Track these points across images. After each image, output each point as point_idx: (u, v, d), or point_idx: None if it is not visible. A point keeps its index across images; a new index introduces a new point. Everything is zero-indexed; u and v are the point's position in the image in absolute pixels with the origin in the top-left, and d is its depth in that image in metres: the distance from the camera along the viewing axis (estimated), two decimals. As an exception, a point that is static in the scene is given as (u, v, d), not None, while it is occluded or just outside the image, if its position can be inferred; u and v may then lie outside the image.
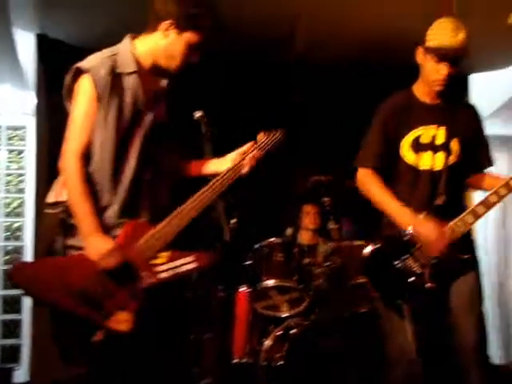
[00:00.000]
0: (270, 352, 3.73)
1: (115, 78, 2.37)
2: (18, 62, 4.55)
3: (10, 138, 5.20)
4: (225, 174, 2.54)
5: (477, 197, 3.04)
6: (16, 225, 5.12)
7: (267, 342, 3.75)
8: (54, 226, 2.35)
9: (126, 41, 2.48)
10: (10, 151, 5.20)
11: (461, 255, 2.81)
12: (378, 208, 2.94)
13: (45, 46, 4.61)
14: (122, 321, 2.26)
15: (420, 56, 2.87)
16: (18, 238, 5.11)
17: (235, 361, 3.83)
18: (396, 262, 2.85)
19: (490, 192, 2.79)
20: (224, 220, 2.85)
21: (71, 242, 2.32)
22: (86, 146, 2.33)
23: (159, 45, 2.44)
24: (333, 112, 5.23)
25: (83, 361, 2.31)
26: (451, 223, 2.79)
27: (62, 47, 4.59)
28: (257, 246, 3.99)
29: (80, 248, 2.30)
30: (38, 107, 4.69)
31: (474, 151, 2.97)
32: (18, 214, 5.13)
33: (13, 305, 4.99)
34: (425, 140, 2.91)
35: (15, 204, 5.15)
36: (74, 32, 4.55)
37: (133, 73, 2.41)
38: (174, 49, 2.44)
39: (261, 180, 4.55)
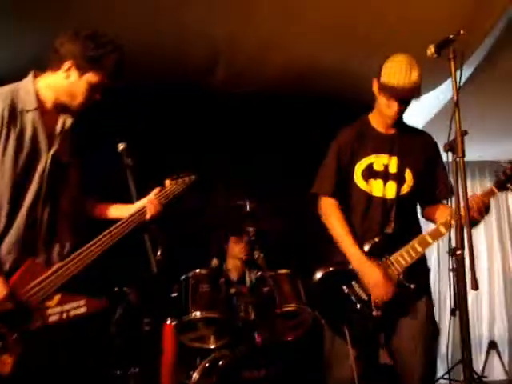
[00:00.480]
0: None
1: (15, 114, 2.35)
2: None
3: None
4: (126, 221, 2.60)
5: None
6: None
7: (195, 375, 3.70)
8: None
9: (29, 77, 2.48)
10: None
11: (408, 283, 2.87)
12: (334, 239, 3.00)
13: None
14: (3, 363, 2.21)
15: (375, 88, 2.95)
16: None
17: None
18: (344, 288, 2.90)
19: (440, 222, 2.85)
20: (151, 253, 2.83)
21: None
22: None
23: (61, 84, 2.46)
24: (253, 142, 5.33)
25: None
26: (398, 252, 2.86)
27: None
28: (183, 277, 3.95)
29: None
30: None
31: (430, 182, 3.03)
32: None
33: None
34: (377, 168, 2.98)
35: None
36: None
37: (33, 110, 2.40)
38: (76, 89, 2.46)
39: (182, 211, 4.62)
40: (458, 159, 2.24)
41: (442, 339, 5.82)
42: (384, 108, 2.92)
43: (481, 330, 7.06)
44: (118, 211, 2.75)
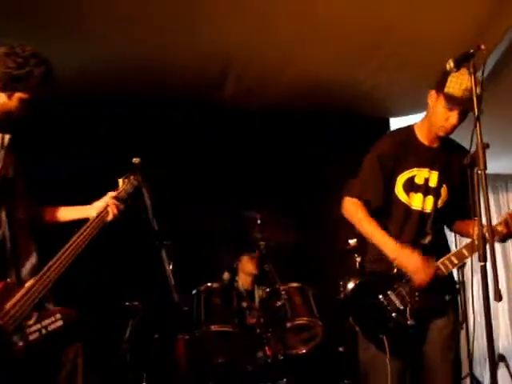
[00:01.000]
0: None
1: None
2: None
3: None
4: (93, 222, 2.55)
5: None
6: None
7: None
8: None
9: None
10: None
11: (443, 295, 2.88)
12: (365, 236, 2.99)
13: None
14: None
15: (432, 98, 2.92)
16: None
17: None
18: (379, 297, 2.90)
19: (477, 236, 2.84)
20: (168, 267, 2.84)
21: None
22: None
23: None
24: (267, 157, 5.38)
25: None
26: (438, 261, 2.84)
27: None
28: (194, 291, 3.96)
29: None
30: None
31: (462, 199, 2.98)
32: None
33: None
34: (418, 181, 2.97)
35: None
36: None
37: None
38: (9, 108, 2.41)
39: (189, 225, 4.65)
40: (479, 172, 2.25)
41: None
42: (440, 120, 2.89)
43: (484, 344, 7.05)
44: (76, 212, 2.71)
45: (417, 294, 2.87)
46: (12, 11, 3.61)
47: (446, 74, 2.86)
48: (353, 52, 4.40)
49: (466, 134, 2.49)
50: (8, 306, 2.27)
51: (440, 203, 2.98)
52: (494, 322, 6.99)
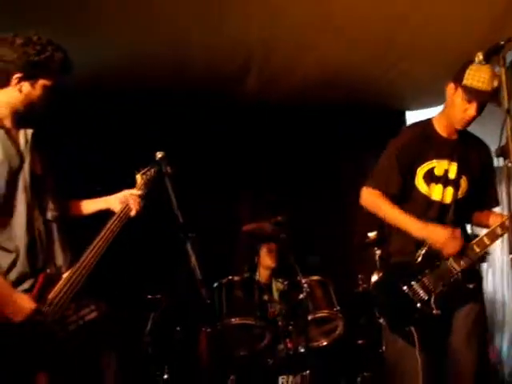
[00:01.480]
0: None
1: None
2: None
3: None
4: (116, 218, 2.59)
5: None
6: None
7: (232, 378, 3.75)
8: None
9: None
10: None
11: (467, 284, 2.92)
12: (389, 222, 3.05)
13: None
14: (39, 381, 2.24)
15: (450, 91, 2.96)
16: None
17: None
18: (404, 288, 2.93)
19: (497, 224, 2.90)
20: (195, 261, 2.85)
21: None
22: None
23: (16, 98, 2.41)
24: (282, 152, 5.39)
25: None
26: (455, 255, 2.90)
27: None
28: (216, 284, 3.98)
29: None
30: None
31: (482, 190, 3.10)
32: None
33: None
34: (438, 173, 3.01)
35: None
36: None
37: None
38: (33, 98, 2.42)
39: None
40: (509, 164, 2.26)
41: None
42: (459, 112, 2.93)
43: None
44: (97, 204, 2.77)
45: (440, 283, 2.91)
46: (26, 5, 3.61)
47: (464, 66, 2.90)
48: (369, 45, 4.39)
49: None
50: (50, 296, 2.31)
51: (460, 194, 3.02)
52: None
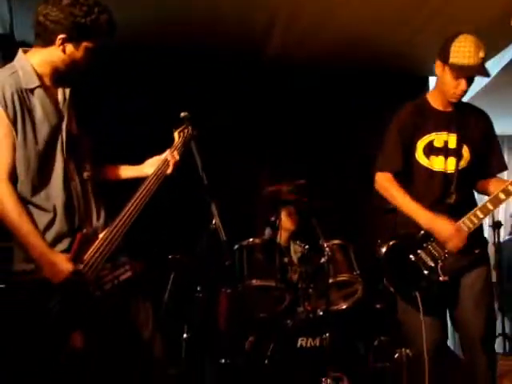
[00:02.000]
0: (254, 352, 3.78)
1: (22, 95, 2.32)
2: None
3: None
4: (156, 174, 2.60)
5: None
6: None
7: (250, 339, 3.81)
8: None
9: (20, 56, 2.41)
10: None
11: (472, 250, 2.99)
12: (399, 208, 3.12)
13: (9, 46, 4.45)
14: (75, 338, 2.26)
15: (438, 69, 3.03)
16: None
17: (221, 361, 3.81)
18: (411, 257, 3.02)
19: (500, 189, 2.97)
20: (218, 221, 2.85)
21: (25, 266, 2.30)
22: (12, 170, 2.28)
23: (58, 57, 2.39)
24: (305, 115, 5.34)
25: None
26: (462, 220, 2.97)
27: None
28: (236, 246, 3.99)
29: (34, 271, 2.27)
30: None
31: (485, 157, 3.15)
32: None
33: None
34: (438, 144, 3.09)
35: None
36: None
37: (38, 87, 2.36)
38: (76, 59, 2.40)
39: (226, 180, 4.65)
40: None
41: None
42: (451, 87, 2.99)
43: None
44: (131, 171, 2.77)
45: (446, 250, 2.99)
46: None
47: (448, 43, 2.96)
48: (398, 7, 4.33)
49: None
50: (87, 256, 2.32)
51: (463, 163, 3.08)
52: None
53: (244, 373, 3.79)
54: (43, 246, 2.25)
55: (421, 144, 3.09)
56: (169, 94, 4.86)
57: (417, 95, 3.31)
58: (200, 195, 2.81)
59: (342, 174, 5.27)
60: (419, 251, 3.03)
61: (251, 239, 4.02)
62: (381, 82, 5.48)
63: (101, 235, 2.39)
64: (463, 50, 2.89)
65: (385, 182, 3.15)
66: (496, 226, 5.57)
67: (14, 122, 2.27)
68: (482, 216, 2.97)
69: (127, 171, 2.77)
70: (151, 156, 2.79)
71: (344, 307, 4.00)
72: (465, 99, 5.45)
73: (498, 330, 5.53)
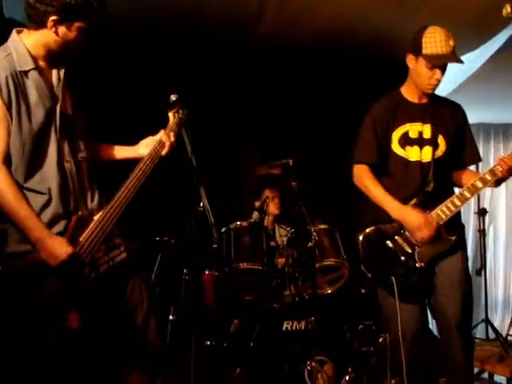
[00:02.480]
0: (240, 334, 3.80)
1: (17, 78, 2.31)
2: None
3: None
4: (151, 155, 2.58)
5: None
6: None
7: (235, 322, 3.83)
8: None
9: (14, 37, 2.40)
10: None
11: (449, 236, 3.04)
12: (372, 201, 3.17)
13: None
14: (72, 319, 2.27)
15: (411, 62, 3.11)
16: None
17: (206, 343, 3.83)
18: (387, 242, 3.08)
19: (478, 177, 3.00)
20: (207, 204, 2.85)
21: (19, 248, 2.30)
22: (7, 153, 2.27)
23: (52, 39, 2.38)
24: (292, 96, 5.32)
25: None
26: (438, 207, 3.03)
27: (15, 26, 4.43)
28: (223, 229, 4.00)
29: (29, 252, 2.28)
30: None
31: (459, 148, 3.22)
32: None
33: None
34: (413, 135, 3.15)
35: None
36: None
37: (32, 69, 2.35)
38: (69, 40, 2.39)
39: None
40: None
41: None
42: (426, 79, 3.06)
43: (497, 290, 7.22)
44: (126, 151, 2.76)
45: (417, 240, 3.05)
46: None
47: (419, 36, 3.04)
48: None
49: None
50: (82, 238, 2.32)
51: (439, 153, 3.15)
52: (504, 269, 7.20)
53: (229, 355, 3.80)
54: (41, 229, 2.25)
55: (396, 135, 3.15)
56: (158, 75, 4.82)
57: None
58: (189, 178, 2.81)
59: (330, 158, 5.27)
60: (396, 237, 3.09)
61: (238, 222, 4.04)
62: (372, 66, 5.46)
63: (96, 217, 2.39)
64: (434, 40, 2.98)
65: (360, 173, 3.22)
66: (481, 213, 5.62)
67: (8, 106, 2.26)
68: (459, 203, 3.04)
69: (122, 151, 2.76)
70: (145, 137, 2.78)
71: (330, 291, 4.04)
72: (449, 90, 5.50)
73: (482, 316, 5.63)
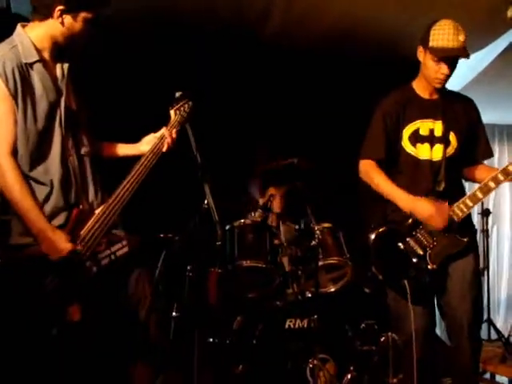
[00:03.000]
0: (242, 332, 3.81)
1: (22, 70, 2.34)
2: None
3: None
4: (152, 151, 2.65)
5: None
6: None
7: (238, 319, 3.85)
8: None
9: (19, 31, 2.43)
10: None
11: (461, 238, 3.03)
12: (381, 195, 3.16)
13: (4, 20, 4.41)
14: (73, 312, 2.28)
15: (421, 54, 3.08)
16: None
17: (209, 340, 3.84)
18: (399, 244, 3.06)
19: (489, 178, 3.00)
20: (211, 201, 2.87)
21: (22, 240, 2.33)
22: (15, 144, 2.31)
23: (58, 30, 2.41)
24: (299, 95, 5.31)
25: None
26: (450, 208, 3.01)
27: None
28: (227, 226, 4.01)
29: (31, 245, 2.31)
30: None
31: (471, 144, 3.19)
32: None
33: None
34: (423, 132, 3.12)
35: None
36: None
37: (37, 62, 2.38)
38: (75, 31, 2.43)
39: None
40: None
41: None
42: (433, 72, 3.03)
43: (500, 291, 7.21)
44: (128, 149, 2.81)
45: (434, 238, 3.03)
46: None
47: (428, 28, 3.03)
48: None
49: None
50: (83, 232, 2.34)
51: (450, 150, 3.12)
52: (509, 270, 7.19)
53: (232, 352, 3.81)
54: (43, 222, 2.28)
55: (406, 132, 3.12)
56: (165, 72, 4.83)
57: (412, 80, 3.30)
58: (193, 175, 2.82)
59: (336, 157, 5.27)
60: (408, 239, 3.07)
61: (242, 220, 4.05)
62: (380, 66, 5.46)
63: (97, 211, 2.41)
64: (442, 32, 2.94)
65: (365, 168, 3.21)
66: (485, 213, 5.62)
67: (14, 97, 2.29)
68: (471, 204, 3.01)
69: (123, 149, 2.80)
70: (146, 134, 2.80)
71: (332, 290, 4.04)
72: (458, 88, 5.49)
73: (484, 316, 5.63)
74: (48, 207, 2.35)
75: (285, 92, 5.34)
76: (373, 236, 3.13)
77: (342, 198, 5.21)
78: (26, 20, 2.49)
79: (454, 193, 3.09)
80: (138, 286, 2.55)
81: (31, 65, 2.36)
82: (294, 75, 5.35)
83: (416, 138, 3.11)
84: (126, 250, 2.46)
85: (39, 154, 2.35)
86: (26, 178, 2.31)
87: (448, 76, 3.04)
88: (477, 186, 3.09)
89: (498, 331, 5.35)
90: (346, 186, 5.19)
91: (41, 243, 2.26)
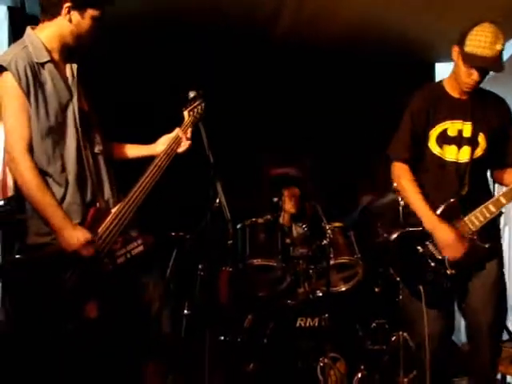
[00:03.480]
0: (254, 330, 3.83)
1: (34, 69, 2.35)
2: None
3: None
4: (167, 152, 2.65)
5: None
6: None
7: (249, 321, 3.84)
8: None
9: (29, 32, 2.45)
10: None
11: (482, 244, 2.93)
12: (406, 201, 3.12)
13: (18, 19, 4.45)
14: (90, 309, 2.31)
15: (455, 54, 2.94)
16: None
17: (221, 338, 3.86)
18: (418, 248, 3.00)
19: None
20: (224, 200, 2.88)
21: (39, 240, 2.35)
22: (30, 141, 2.33)
23: (66, 29, 2.43)
24: (310, 95, 5.32)
25: None
26: (473, 213, 2.92)
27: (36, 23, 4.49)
28: (239, 225, 4.03)
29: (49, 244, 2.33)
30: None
31: (502, 146, 3.08)
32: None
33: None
34: (451, 133, 3.02)
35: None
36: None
37: (48, 62, 2.40)
38: (82, 29, 2.44)
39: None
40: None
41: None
42: (464, 76, 2.92)
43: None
44: (144, 150, 2.81)
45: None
46: None
47: (466, 31, 2.86)
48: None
49: None
50: (100, 230, 2.36)
51: (479, 152, 3.01)
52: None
53: (243, 350, 3.83)
54: (62, 217, 2.30)
55: (434, 132, 3.03)
56: (176, 73, 4.84)
57: (422, 82, 3.28)
58: (205, 173, 2.84)
59: (345, 161, 5.28)
60: (427, 242, 3.00)
61: (254, 219, 4.06)
62: (389, 67, 5.46)
63: (113, 210, 2.44)
64: (479, 39, 2.79)
65: (399, 172, 3.12)
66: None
67: (27, 95, 2.31)
68: (494, 210, 2.90)
69: (136, 150, 2.81)
70: (160, 135, 2.82)
71: (343, 289, 4.04)
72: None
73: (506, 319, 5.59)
74: (64, 204, 2.37)
75: (295, 91, 5.34)
76: (394, 235, 3.09)
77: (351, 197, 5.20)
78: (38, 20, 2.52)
79: (478, 196, 2.98)
80: (150, 284, 2.57)
81: (42, 65, 2.39)
82: (305, 75, 5.35)
83: (443, 139, 3.02)
84: (141, 248, 2.48)
85: (54, 151, 2.37)
86: (43, 175, 2.33)
87: (479, 82, 2.93)
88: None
89: (509, 332, 5.31)
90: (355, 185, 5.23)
91: (59, 238, 2.29)
